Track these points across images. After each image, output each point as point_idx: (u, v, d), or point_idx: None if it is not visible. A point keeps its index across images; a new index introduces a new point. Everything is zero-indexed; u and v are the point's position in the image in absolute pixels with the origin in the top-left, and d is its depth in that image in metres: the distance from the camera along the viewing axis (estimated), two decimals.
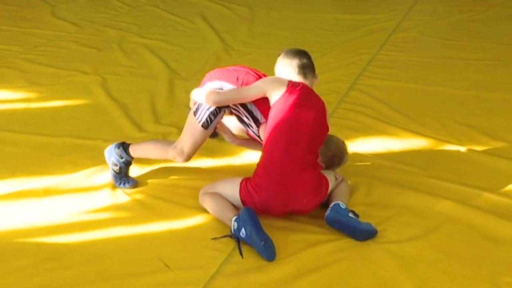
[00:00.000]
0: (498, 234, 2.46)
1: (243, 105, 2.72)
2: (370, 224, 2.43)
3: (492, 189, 2.77)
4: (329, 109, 3.79)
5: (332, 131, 3.54)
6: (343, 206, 2.46)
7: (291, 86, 2.60)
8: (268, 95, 2.61)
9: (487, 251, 2.37)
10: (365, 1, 6.64)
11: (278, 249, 2.33)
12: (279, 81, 2.64)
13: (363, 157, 3.14)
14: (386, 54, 4.78)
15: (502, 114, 3.66)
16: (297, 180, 2.49)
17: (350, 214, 2.45)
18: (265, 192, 2.50)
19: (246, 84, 2.70)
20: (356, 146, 3.27)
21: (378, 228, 2.47)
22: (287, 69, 2.71)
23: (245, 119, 2.76)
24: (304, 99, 2.59)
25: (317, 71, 2.81)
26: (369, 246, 2.38)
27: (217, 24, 5.73)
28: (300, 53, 2.75)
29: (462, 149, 3.21)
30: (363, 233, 2.40)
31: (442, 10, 6.13)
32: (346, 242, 2.41)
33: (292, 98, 2.56)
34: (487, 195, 2.72)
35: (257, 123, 2.72)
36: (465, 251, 2.37)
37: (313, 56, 4.80)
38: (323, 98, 2.72)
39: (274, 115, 2.57)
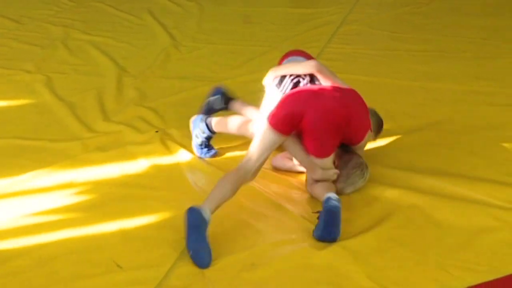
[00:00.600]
0: (444, 219, 2.54)
1: None
2: (339, 232, 2.40)
3: (438, 175, 2.85)
4: None
5: None
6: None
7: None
8: None
9: (434, 236, 2.45)
10: None
11: (233, 242, 2.34)
12: None
13: None
14: (334, 47, 4.84)
15: (447, 104, 3.76)
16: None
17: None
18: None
19: None
20: None
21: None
22: None
23: None
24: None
25: (379, 135, 3.02)
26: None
27: (165, 19, 5.66)
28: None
29: (409, 138, 3.29)
30: (328, 237, 2.38)
31: (387, 3, 6.26)
32: (301, 237, 2.43)
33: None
34: (433, 181, 2.80)
35: None
36: (413, 237, 2.44)
37: (262, 51, 4.84)
38: None
39: None
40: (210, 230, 2.32)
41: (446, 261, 2.27)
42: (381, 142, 3.24)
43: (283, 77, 2.85)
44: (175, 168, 2.99)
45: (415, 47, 4.83)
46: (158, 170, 2.96)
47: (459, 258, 2.30)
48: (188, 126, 3.14)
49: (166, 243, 2.38)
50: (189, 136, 3.12)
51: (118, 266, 2.24)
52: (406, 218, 2.56)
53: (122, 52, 4.79)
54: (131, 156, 3.07)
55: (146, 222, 2.54)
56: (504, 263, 2.27)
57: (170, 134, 3.28)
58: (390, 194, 2.71)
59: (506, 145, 3.19)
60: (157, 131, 3.30)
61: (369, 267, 2.25)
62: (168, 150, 3.13)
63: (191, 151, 3.10)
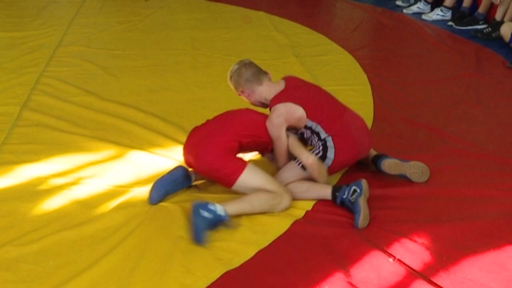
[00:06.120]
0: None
1: None
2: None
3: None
4: (1, 136, 3.54)
5: (8, 158, 3.34)
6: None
7: None
8: None
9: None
10: (18, 17, 6.32)
11: None
12: None
13: (45, 179, 3.06)
14: (54, 70, 4.67)
15: (174, 114, 3.91)
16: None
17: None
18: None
19: None
20: (39, 169, 3.15)
21: None
22: None
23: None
24: None
25: None
26: None
27: None
28: None
29: (143, 153, 3.37)
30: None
31: (102, 22, 6.27)
32: None
33: None
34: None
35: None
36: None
37: None
38: None
39: None
40: None
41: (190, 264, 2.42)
42: (117, 157, 3.27)
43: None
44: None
45: (136, 63, 4.95)
46: None
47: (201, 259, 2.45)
48: None
49: None
50: None
51: None
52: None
53: None
54: None
55: None
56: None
57: None
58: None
59: None
60: None
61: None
62: None
63: None
